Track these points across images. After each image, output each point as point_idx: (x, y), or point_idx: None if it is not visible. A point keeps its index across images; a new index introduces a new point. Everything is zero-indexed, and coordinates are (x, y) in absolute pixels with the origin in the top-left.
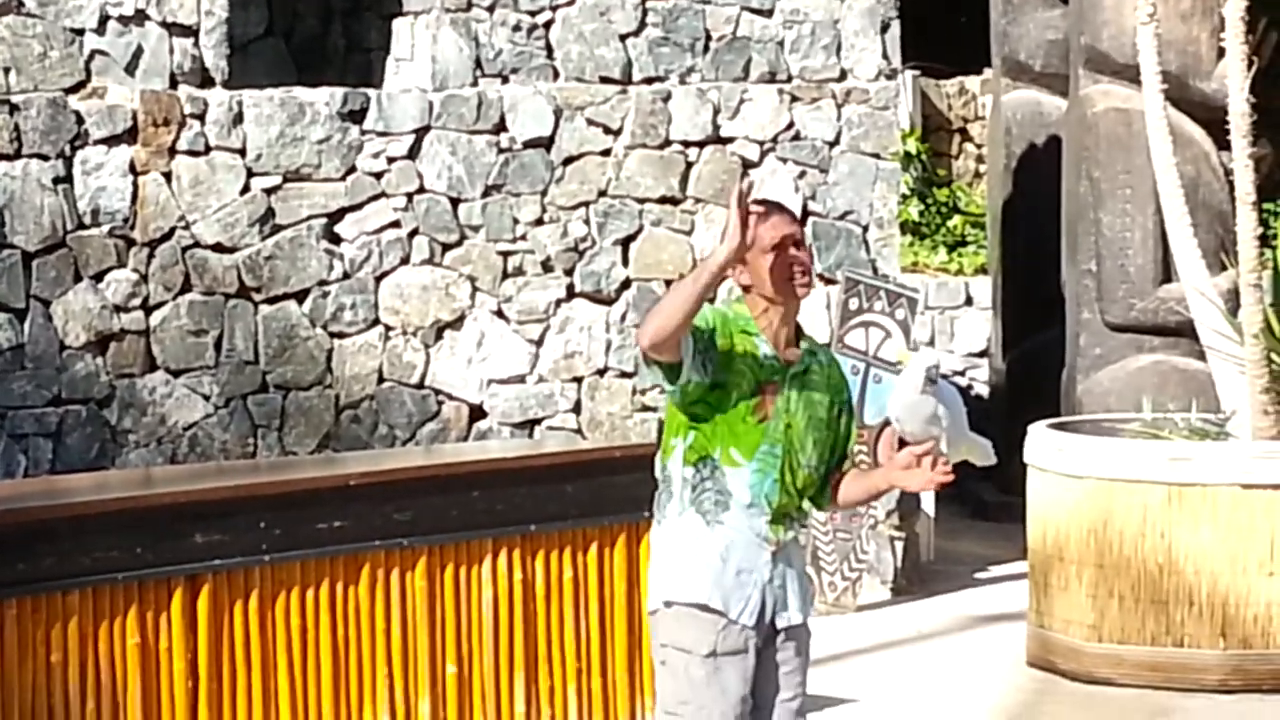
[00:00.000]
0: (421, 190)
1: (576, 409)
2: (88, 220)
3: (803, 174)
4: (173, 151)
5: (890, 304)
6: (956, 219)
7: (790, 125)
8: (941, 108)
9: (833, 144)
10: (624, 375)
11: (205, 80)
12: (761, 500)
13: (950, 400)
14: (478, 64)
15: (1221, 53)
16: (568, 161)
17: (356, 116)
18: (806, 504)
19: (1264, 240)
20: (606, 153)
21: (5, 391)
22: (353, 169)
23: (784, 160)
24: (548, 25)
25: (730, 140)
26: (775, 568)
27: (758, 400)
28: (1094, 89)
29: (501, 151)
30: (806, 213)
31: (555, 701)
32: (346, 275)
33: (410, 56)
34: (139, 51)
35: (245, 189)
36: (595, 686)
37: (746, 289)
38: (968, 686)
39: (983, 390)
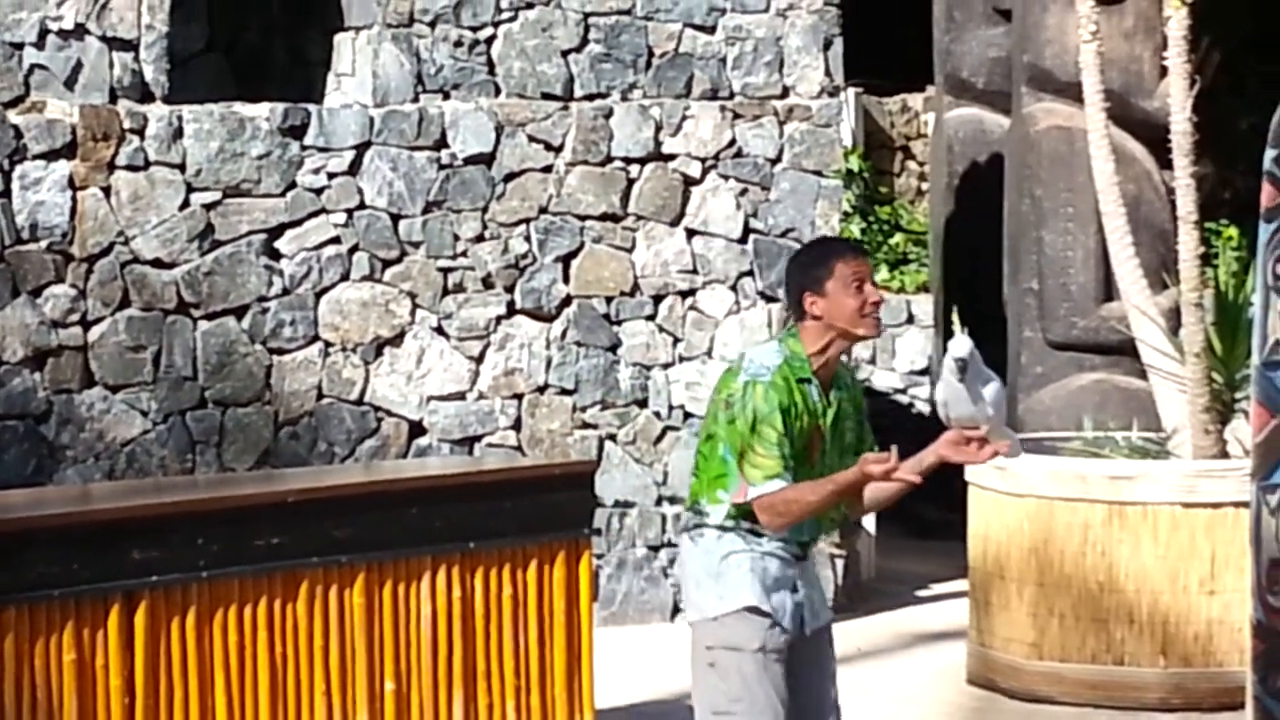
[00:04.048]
0: (362, 206)
1: (516, 426)
2: (26, 235)
3: (744, 191)
4: (112, 166)
5: None
6: (898, 237)
7: (732, 142)
8: (884, 125)
9: (774, 161)
10: (564, 392)
11: (145, 95)
12: (800, 534)
13: (995, 394)
14: (419, 79)
15: (1164, 71)
16: (509, 178)
17: (297, 132)
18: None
19: (1205, 259)
20: (548, 169)
21: None
22: (293, 185)
23: (725, 178)
24: (489, 41)
25: (672, 157)
26: (804, 577)
27: (808, 452)
28: (1036, 107)
29: (442, 168)
30: (748, 230)
31: (494, 718)
32: (286, 291)
33: (352, 72)
34: (78, 66)
35: (185, 204)
36: (534, 703)
37: (815, 318)
38: (908, 704)
39: (924, 408)
